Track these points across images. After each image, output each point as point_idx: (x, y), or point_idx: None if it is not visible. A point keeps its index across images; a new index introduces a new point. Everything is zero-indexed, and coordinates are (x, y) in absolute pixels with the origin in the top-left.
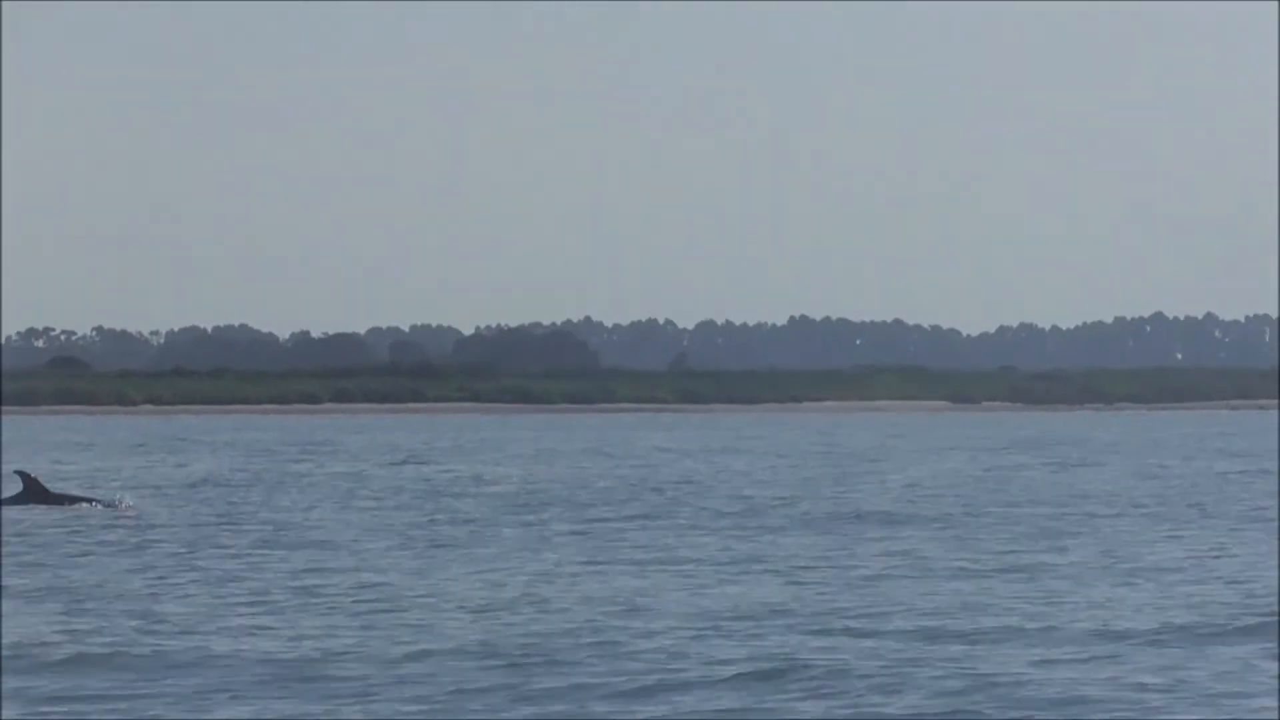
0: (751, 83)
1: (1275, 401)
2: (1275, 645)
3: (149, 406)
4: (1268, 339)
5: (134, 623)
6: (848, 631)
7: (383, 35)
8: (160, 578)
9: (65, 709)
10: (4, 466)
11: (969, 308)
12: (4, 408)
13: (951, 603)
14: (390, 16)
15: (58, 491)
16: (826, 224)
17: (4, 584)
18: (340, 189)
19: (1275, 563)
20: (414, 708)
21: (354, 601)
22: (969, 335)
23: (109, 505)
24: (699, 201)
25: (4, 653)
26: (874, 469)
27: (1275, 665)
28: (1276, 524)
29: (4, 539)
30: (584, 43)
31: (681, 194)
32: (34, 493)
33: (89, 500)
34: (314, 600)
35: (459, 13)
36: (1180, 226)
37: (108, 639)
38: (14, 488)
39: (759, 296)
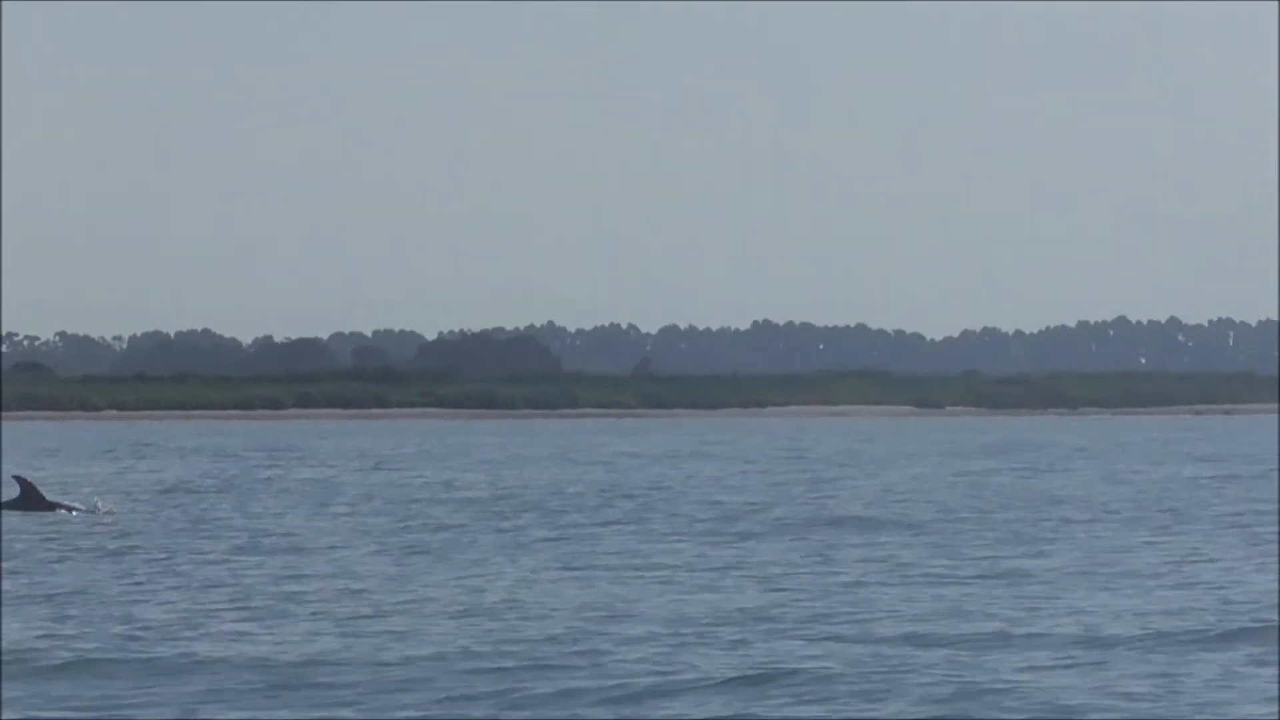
0: (713, 88)
1: (1240, 406)
2: (1259, 651)
3: (112, 412)
4: (1231, 343)
5: (119, 628)
6: (831, 638)
7: (343, 42)
8: (137, 583)
9: (63, 714)
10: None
11: (932, 312)
12: None
13: (934, 609)
14: (354, 19)
15: (51, 499)
16: (789, 228)
17: None
18: (302, 194)
19: (1251, 568)
20: (407, 714)
21: (337, 607)
22: (933, 340)
23: (90, 511)
24: (661, 206)
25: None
26: (844, 474)
27: (1261, 671)
28: (1250, 529)
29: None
30: (546, 49)
31: (643, 199)
32: (31, 499)
33: (76, 507)
34: (296, 606)
35: (422, 16)
36: (1144, 229)
37: (94, 644)
38: (10, 491)
39: (722, 301)
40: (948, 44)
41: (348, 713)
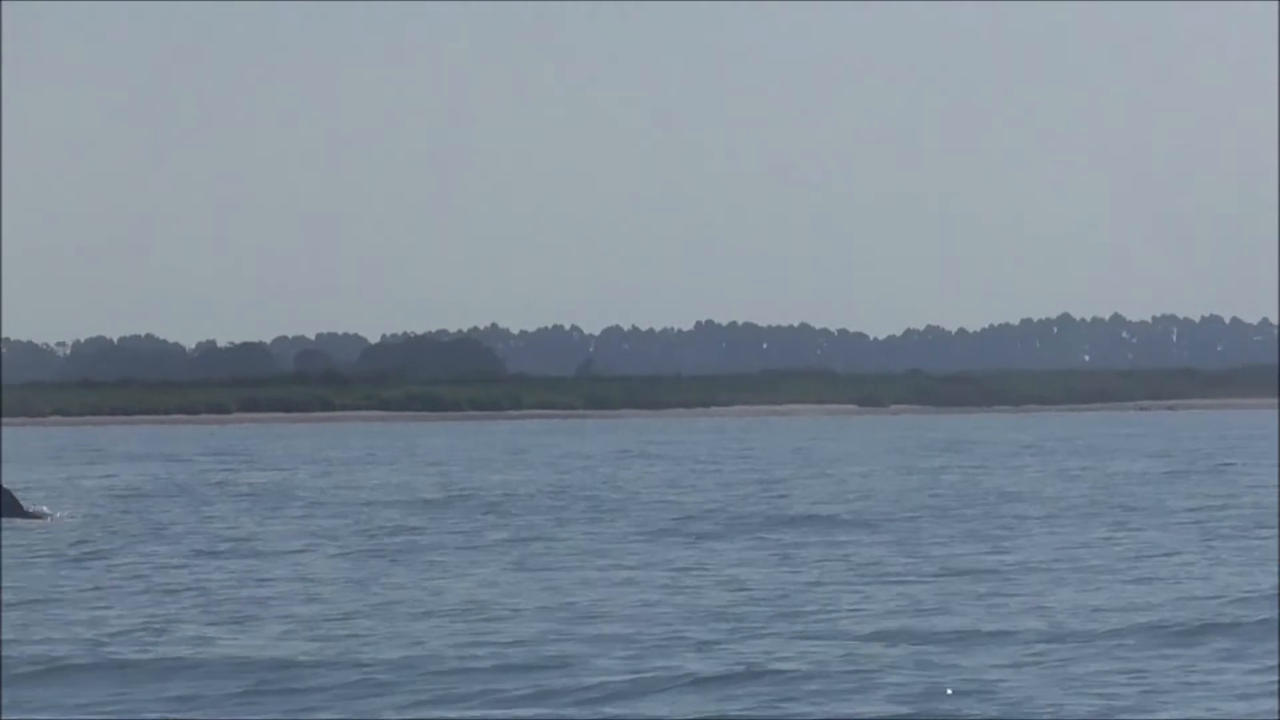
0: (656, 89)
1: (1184, 402)
2: (1228, 647)
3: (57, 418)
4: (1174, 339)
5: (89, 634)
6: (799, 637)
7: (286, 46)
8: (98, 588)
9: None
10: None
11: (875, 311)
12: None
13: (900, 606)
14: (293, 24)
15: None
16: (731, 228)
17: None
18: (242, 198)
19: (1207, 563)
20: (390, 716)
21: (305, 610)
22: (876, 338)
23: (52, 518)
24: (602, 207)
25: None
26: (795, 473)
27: (1230, 666)
28: (1204, 524)
29: None
30: (483, 52)
31: (584, 199)
32: (9, 507)
33: (48, 514)
34: (264, 609)
35: (357, 20)
36: (1086, 226)
37: (64, 650)
38: None
39: (665, 301)
40: (896, 43)
41: (330, 714)
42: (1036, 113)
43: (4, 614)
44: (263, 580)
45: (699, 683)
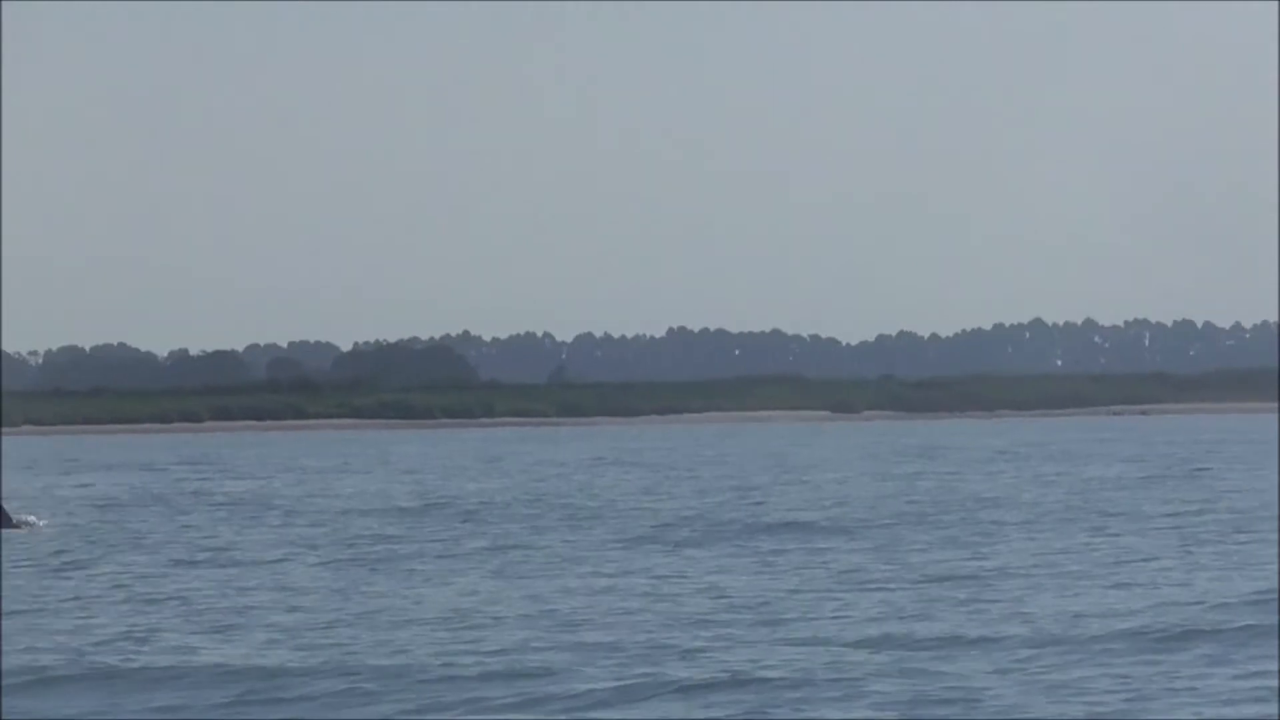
0: (625, 95)
1: (1156, 406)
2: (1213, 652)
3: (30, 427)
4: (1147, 344)
5: (77, 644)
6: (784, 643)
7: (257, 50)
8: (78, 598)
9: None
10: None
11: (847, 316)
12: None
13: (884, 612)
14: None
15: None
16: (703, 234)
17: None
18: (215, 205)
19: (1185, 568)
20: None
21: (289, 619)
22: (848, 344)
23: (31, 526)
24: (574, 214)
25: None
26: (772, 479)
27: (1216, 671)
28: (1183, 530)
29: None
30: (448, 54)
31: (556, 206)
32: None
33: (32, 523)
34: (248, 618)
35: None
36: (1057, 231)
37: (58, 659)
38: None
39: (637, 308)
40: (868, 47)
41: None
42: (1017, 119)
43: None
44: (245, 590)
45: (684, 690)
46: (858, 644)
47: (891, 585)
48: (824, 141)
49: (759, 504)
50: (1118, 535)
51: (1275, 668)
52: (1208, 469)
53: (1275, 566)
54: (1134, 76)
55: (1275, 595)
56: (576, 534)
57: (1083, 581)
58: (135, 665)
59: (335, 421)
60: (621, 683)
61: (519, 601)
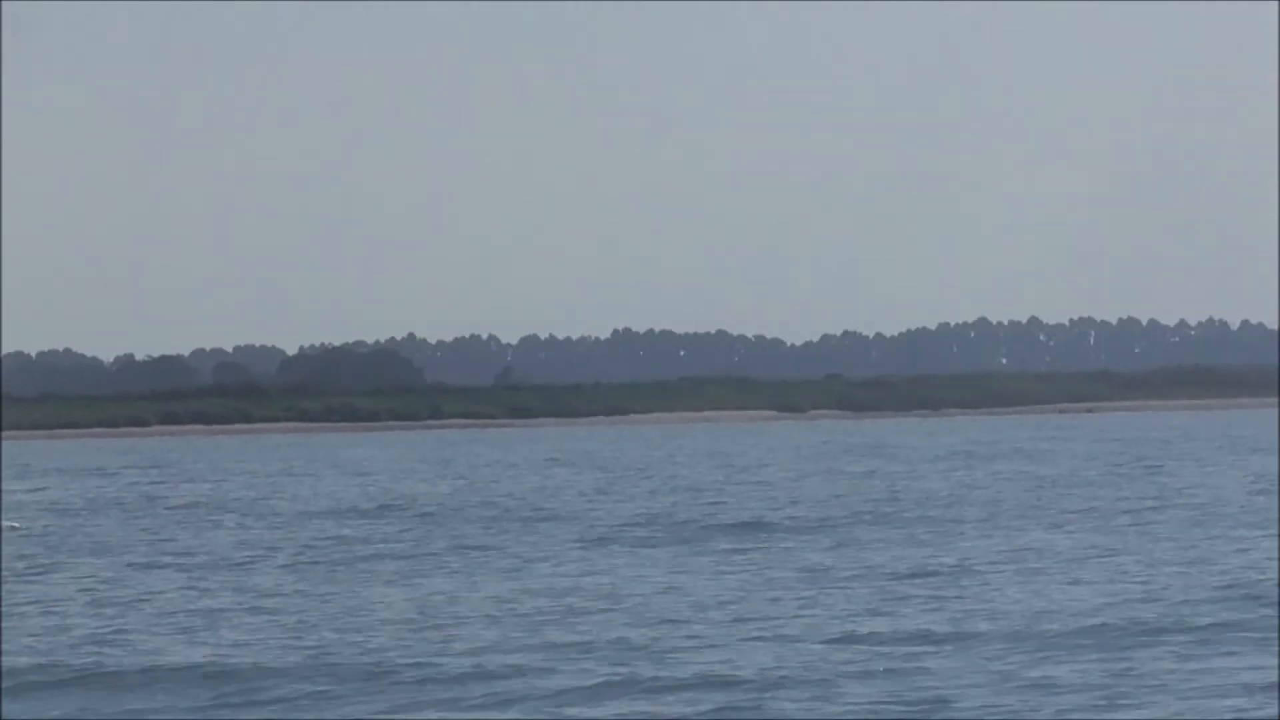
0: (574, 97)
1: (1103, 404)
2: (1187, 644)
3: None
4: (1092, 342)
5: (49, 648)
6: (762, 640)
7: (199, 50)
8: (38, 601)
9: None
10: None
11: (792, 316)
12: None
13: (858, 609)
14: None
15: None
16: (646, 235)
17: None
18: (158, 209)
19: (1147, 562)
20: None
21: (263, 619)
22: (793, 344)
23: (15, 530)
24: (517, 216)
25: None
26: (727, 479)
27: (1187, 666)
28: (1147, 526)
29: None
30: (399, 61)
31: (500, 208)
32: None
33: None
34: (222, 621)
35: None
36: (1001, 229)
37: (31, 663)
38: None
39: (581, 310)
40: (805, 41)
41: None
42: (964, 122)
43: None
44: (210, 592)
45: (658, 690)
46: (827, 642)
47: (856, 583)
48: (767, 145)
49: (715, 504)
50: (1076, 532)
51: (1243, 664)
52: (1160, 466)
53: (1235, 562)
54: (1077, 79)
55: (1238, 591)
56: (536, 535)
57: (1042, 577)
58: (110, 669)
59: (282, 425)
60: (594, 682)
61: (484, 602)
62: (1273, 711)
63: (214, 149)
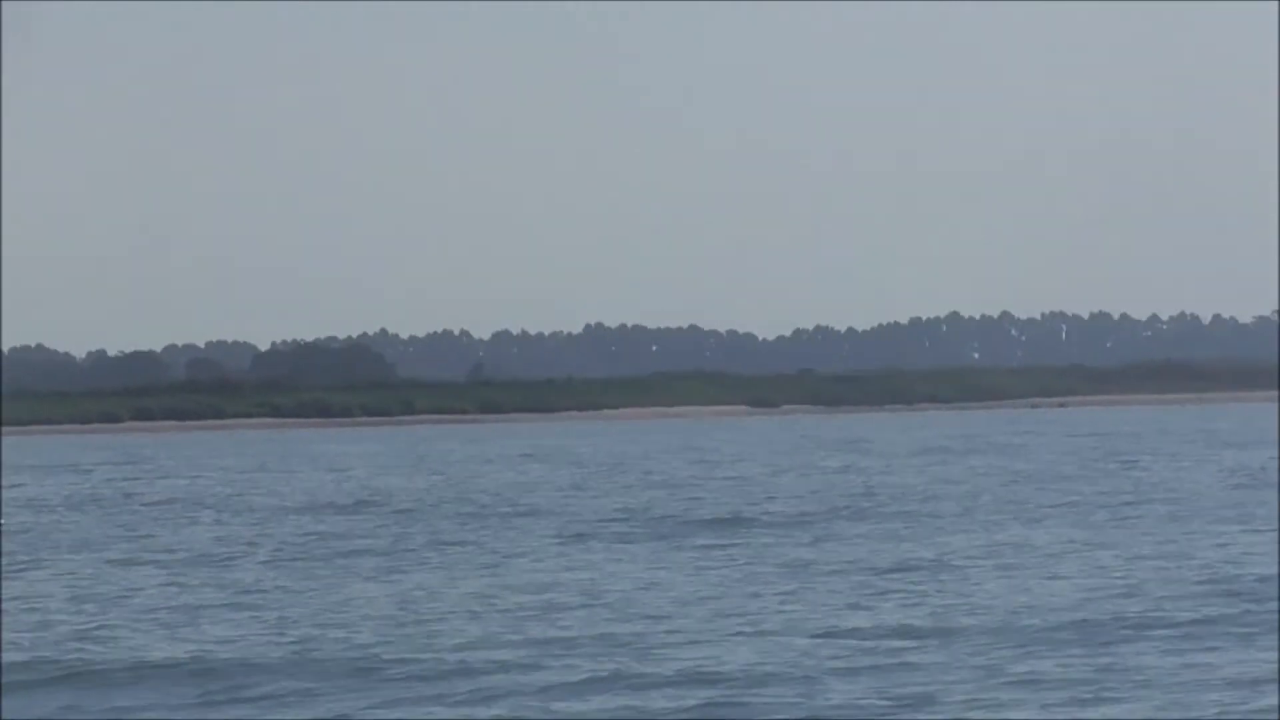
0: (540, 95)
1: (1074, 399)
2: (1166, 641)
3: None
4: (1064, 336)
5: (33, 644)
6: (743, 636)
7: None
8: (22, 597)
9: None
10: None
11: (764, 311)
12: None
13: (840, 603)
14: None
15: None
16: (619, 231)
17: None
18: (130, 205)
19: (1127, 557)
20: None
21: (246, 615)
22: (765, 339)
23: None
24: (489, 211)
25: None
26: (704, 475)
27: (1164, 662)
28: (1129, 520)
29: None
30: (360, 52)
31: (470, 204)
32: None
33: None
34: (207, 618)
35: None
36: (974, 223)
37: (15, 659)
38: None
39: (554, 305)
40: (770, 34)
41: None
42: (931, 114)
43: None
44: (193, 589)
45: (643, 686)
46: (811, 637)
47: (836, 578)
48: (734, 138)
49: (693, 499)
50: (1055, 527)
51: (1225, 659)
52: (1135, 461)
53: (1214, 556)
54: (1047, 73)
55: (1220, 586)
56: (514, 530)
57: (1024, 572)
58: (96, 666)
59: (255, 421)
60: (580, 678)
61: (466, 598)
62: (1256, 705)
63: (186, 145)
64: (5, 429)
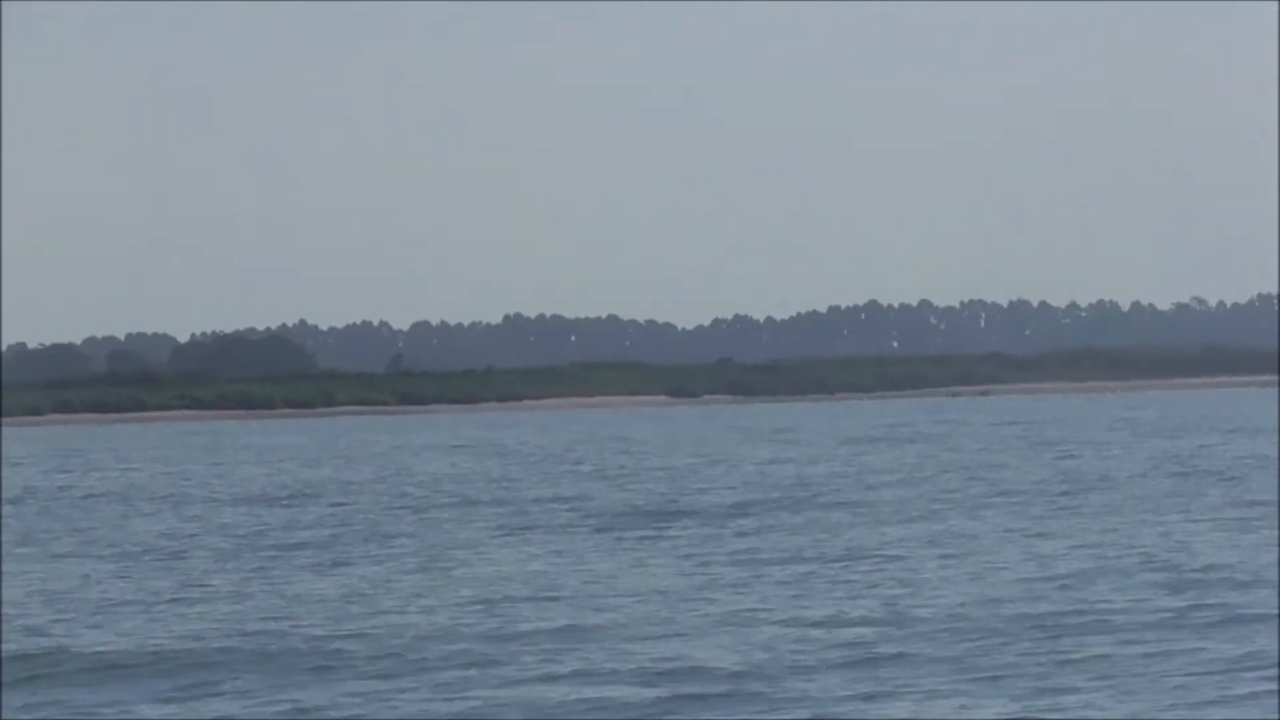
0: (467, 87)
1: (996, 387)
2: (1128, 632)
3: None
4: (983, 325)
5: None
6: (711, 631)
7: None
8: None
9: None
10: None
11: (682, 301)
12: None
13: (795, 592)
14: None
15: None
16: (534, 221)
17: None
18: (47, 197)
19: (1063, 546)
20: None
21: (206, 608)
22: (684, 328)
23: None
24: (407, 202)
25: None
26: (636, 465)
27: (1130, 651)
28: (1077, 509)
29: None
30: (309, 47)
31: (390, 194)
32: None
33: None
34: (166, 609)
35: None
36: (892, 211)
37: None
38: None
39: (472, 296)
40: (684, 32)
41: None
42: (852, 99)
43: None
44: (143, 582)
45: (608, 679)
46: (775, 624)
47: (785, 568)
48: (652, 126)
49: (627, 490)
50: (995, 516)
51: (1180, 647)
52: (1068, 451)
53: (1159, 545)
54: (970, 59)
55: (1168, 575)
56: (456, 523)
57: (971, 560)
58: (61, 664)
59: (176, 413)
60: (541, 673)
61: (418, 591)
62: (1225, 693)
63: (104, 136)
64: None
